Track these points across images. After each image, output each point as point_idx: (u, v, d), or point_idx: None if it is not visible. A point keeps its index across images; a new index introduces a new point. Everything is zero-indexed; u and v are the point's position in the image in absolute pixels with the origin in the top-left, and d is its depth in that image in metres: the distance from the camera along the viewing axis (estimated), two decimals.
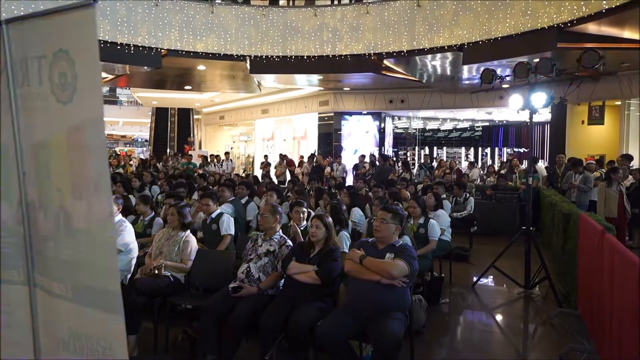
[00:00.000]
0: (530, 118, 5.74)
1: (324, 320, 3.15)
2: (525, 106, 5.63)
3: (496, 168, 14.30)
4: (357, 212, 5.83)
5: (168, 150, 23.78)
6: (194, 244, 4.08)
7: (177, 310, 3.80)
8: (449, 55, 11.05)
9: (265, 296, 3.53)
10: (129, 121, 36.13)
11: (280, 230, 3.89)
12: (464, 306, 5.37)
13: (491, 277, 6.36)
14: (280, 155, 15.73)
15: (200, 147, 24.79)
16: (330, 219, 3.62)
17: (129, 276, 4.07)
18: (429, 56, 11.30)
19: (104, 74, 14.06)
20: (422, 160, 13.53)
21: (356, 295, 3.21)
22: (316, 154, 15.25)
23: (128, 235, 4.01)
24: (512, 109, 5.79)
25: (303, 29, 11.98)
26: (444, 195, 7.37)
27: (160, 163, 15.93)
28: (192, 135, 23.91)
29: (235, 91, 17.61)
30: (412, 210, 5.07)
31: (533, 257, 5.62)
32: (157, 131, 26.05)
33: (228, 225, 4.76)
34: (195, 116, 25.97)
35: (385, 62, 12.35)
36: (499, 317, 5.09)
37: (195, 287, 4.01)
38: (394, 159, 18.25)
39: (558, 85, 7.01)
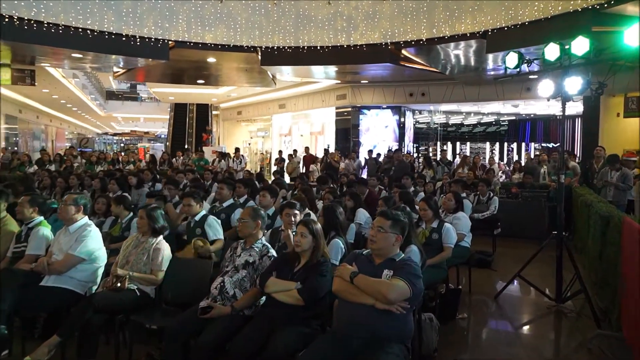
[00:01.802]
0: (563, 107, 5.01)
1: (307, 350, 2.57)
2: (557, 93, 4.91)
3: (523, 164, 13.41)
4: (362, 214, 5.19)
5: (186, 146, 23.62)
6: (166, 252, 3.53)
7: (144, 328, 3.26)
8: (473, 43, 10.26)
9: (240, 317, 2.96)
10: (150, 117, 36.18)
11: (263, 238, 3.31)
12: (484, 323, 4.70)
13: (517, 286, 5.66)
14: (295, 151, 15.19)
15: (218, 143, 24.53)
16: (318, 226, 3.02)
17: (94, 288, 3.55)
18: (452, 45, 10.53)
19: (116, 68, 13.81)
20: (440, 156, 12.73)
21: (346, 321, 2.60)
22: (330, 149, 14.60)
23: (92, 241, 3.49)
24: (541, 96, 5.07)
25: (316, 17, 11.38)
26: (464, 194, 6.68)
27: (174, 159, 15.60)
28: (209, 127, 23.61)
29: (251, 85, 17.16)
30: (423, 214, 4.41)
31: (565, 264, 4.92)
32: (175, 127, 26.05)
33: (216, 229, 4.22)
34: (214, 112, 25.74)
35: (404, 52, 11.66)
36: (525, 337, 4.39)
37: (167, 301, 3.48)
38: (415, 155, 17.55)
39: (593, 75, 6.25)
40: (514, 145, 20.57)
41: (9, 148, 20.51)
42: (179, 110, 25.80)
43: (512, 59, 5.19)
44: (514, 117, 20.40)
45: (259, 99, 21.02)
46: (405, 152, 14.06)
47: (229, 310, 2.94)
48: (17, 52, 11.26)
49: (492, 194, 7.50)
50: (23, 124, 26.00)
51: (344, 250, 3.58)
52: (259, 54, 11.54)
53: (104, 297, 3.21)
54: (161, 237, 3.59)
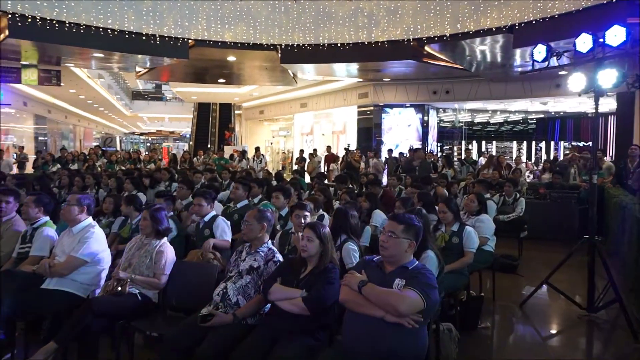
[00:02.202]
0: (596, 102, 4.67)
1: None
2: (590, 88, 4.58)
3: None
4: (378, 216, 4.95)
5: (209, 145, 23.74)
6: (170, 254, 3.37)
7: (147, 335, 3.12)
8: (499, 38, 9.86)
9: (243, 326, 2.78)
10: (174, 117, 36.56)
11: (270, 242, 3.12)
12: (508, 332, 4.42)
13: (545, 293, 5.33)
14: (315, 150, 15.02)
15: (241, 142, 24.59)
16: (326, 230, 2.81)
17: (97, 291, 3.43)
18: (477, 40, 10.15)
19: (138, 68, 13.90)
20: (465, 155, 12.32)
21: (352, 335, 2.39)
22: (349, 148, 14.35)
23: (95, 242, 3.37)
24: (572, 91, 4.75)
25: (337, 14, 11.20)
26: (488, 195, 6.36)
27: (195, 158, 15.62)
28: (232, 125, 23.68)
29: (272, 84, 17.05)
30: (443, 216, 4.15)
31: (597, 271, 4.59)
32: (198, 126, 26.25)
33: (223, 230, 4.06)
34: (237, 111, 25.80)
35: (428, 48, 11.32)
36: (553, 349, 4.09)
37: (172, 307, 3.33)
38: (440, 154, 17.17)
39: (629, 68, 5.85)
40: (543, 144, 19.94)
41: (40, 148, 20.99)
42: (202, 109, 25.98)
43: (540, 51, 4.88)
44: (542, 115, 19.77)
45: (281, 98, 20.94)
46: (428, 152, 13.69)
47: (231, 319, 2.76)
48: (43, 52, 11.41)
49: (518, 195, 7.15)
50: (52, 124, 26.59)
51: (357, 254, 3.37)
52: (279, 52, 11.41)
53: (104, 301, 3.08)
54: (165, 239, 3.44)
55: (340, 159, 13.85)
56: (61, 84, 14.48)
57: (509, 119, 20.54)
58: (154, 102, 35.64)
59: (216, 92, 20.81)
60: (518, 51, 10.32)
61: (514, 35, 9.44)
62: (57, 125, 27.91)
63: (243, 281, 2.91)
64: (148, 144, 52.23)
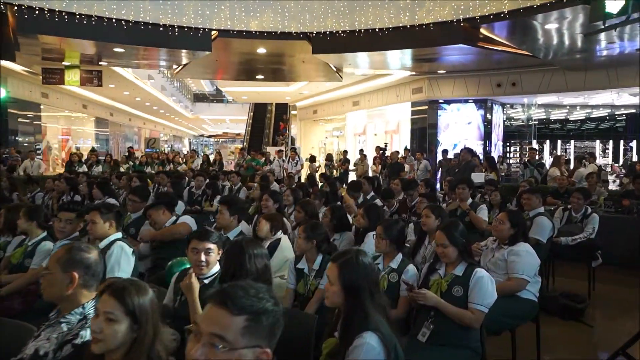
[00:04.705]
0: None
1: None
2: None
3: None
4: (372, 243, 3.39)
5: (262, 146, 23.21)
6: None
7: None
8: (580, 10, 7.79)
9: None
10: (234, 119, 36.59)
11: (91, 302, 1.83)
12: None
13: None
14: (361, 150, 13.63)
15: (294, 143, 23.84)
16: (146, 298, 1.46)
17: None
18: (553, 15, 8.11)
19: (175, 66, 13.30)
20: (528, 157, 10.29)
21: None
22: (386, 148, 12.82)
23: None
24: None
25: None
26: (541, 209, 4.66)
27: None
28: (286, 117, 22.93)
29: (317, 80, 15.83)
30: (441, 252, 2.58)
31: None
32: (253, 127, 26.05)
33: (117, 263, 2.82)
34: (292, 112, 25.14)
35: (484, 31, 9.55)
36: None
37: None
38: (505, 155, 15.15)
39: None
40: (634, 144, 17.06)
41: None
42: (258, 110, 25.80)
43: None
44: (634, 110, 16.91)
45: (333, 96, 19.76)
46: (463, 149, 11.76)
47: None
48: (80, 50, 11.00)
49: (589, 210, 5.31)
50: (114, 126, 27.20)
51: None
52: (310, 40, 10.17)
53: None
54: None
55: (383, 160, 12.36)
56: (101, 85, 14.20)
57: (591, 115, 17.85)
58: (215, 104, 35.90)
59: (265, 92, 20.04)
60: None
61: (591, 6, 7.48)
62: (120, 127, 28.56)
63: None
64: (216, 146, 53.45)
